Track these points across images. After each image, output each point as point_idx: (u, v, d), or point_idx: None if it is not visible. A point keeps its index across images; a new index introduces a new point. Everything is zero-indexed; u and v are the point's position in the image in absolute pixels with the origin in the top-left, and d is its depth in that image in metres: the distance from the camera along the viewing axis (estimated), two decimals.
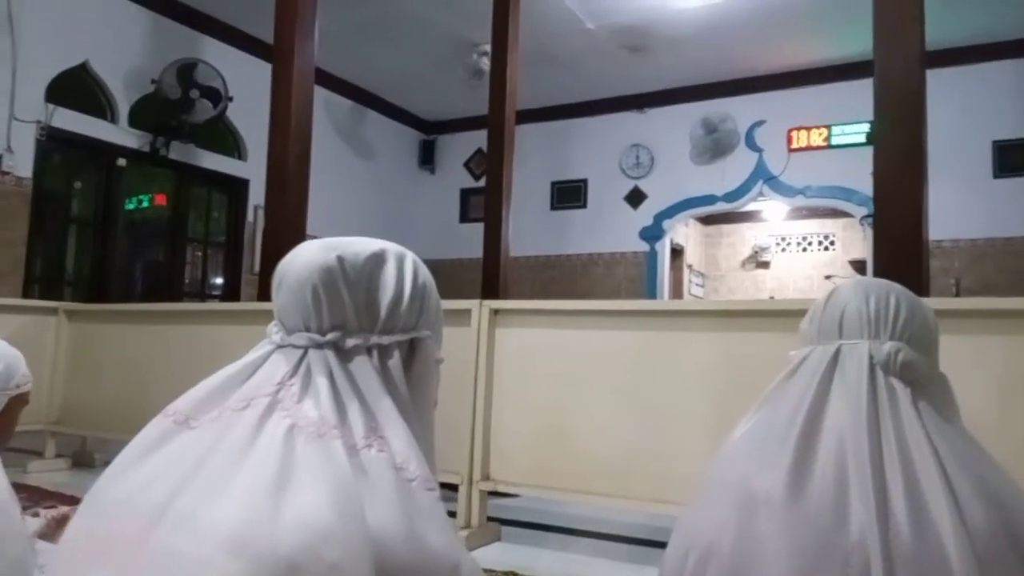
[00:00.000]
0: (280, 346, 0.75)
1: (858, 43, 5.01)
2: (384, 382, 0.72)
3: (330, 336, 0.73)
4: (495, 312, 2.58)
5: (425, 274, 0.83)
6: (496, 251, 4.84)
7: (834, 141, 6.54)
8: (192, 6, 5.79)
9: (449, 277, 8.06)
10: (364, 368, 0.72)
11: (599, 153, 7.65)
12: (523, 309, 2.59)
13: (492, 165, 5.01)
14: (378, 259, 0.77)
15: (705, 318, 2.23)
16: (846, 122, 6.40)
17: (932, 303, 2.07)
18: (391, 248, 0.80)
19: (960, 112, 5.93)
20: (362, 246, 0.78)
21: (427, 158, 8.47)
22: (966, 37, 5.82)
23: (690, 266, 8.96)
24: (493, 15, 5.13)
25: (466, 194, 8.30)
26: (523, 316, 2.56)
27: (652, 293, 7.24)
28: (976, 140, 5.99)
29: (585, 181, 7.73)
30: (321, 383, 0.70)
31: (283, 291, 0.76)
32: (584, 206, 7.72)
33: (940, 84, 5.66)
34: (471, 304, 2.57)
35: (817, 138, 6.60)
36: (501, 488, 2.51)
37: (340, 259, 0.75)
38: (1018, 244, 5.88)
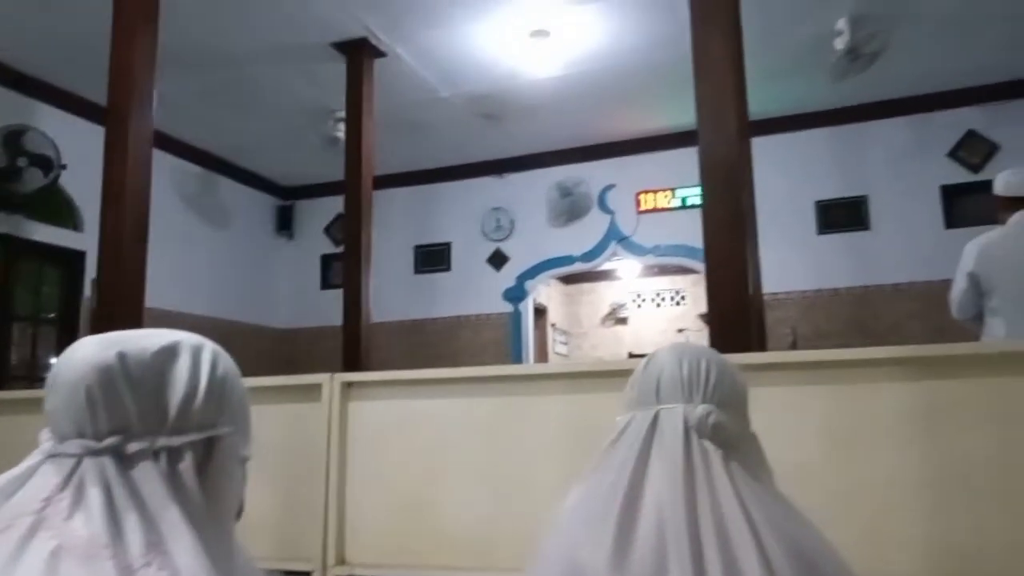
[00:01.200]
0: (51, 455, 0.68)
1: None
2: (172, 489, 0.67)
3: (108, 441, 0.66)
4: (348, 385, 2.51)
5: (227, 365, 0.78)
6: (356, 318, 4.74)
7: (678, 203, 6.97)
8: (21, 71, 5.43)
9: (311, 346, 7.82)
10: (148, 475, 0.66)
11: (461, 217, 7.75)
12: (377, 381, 2.53)
13: (350, 230, 4.95)
14: (169, 352, 0.72)
15: (555, 380, 2.27)
16: (689, 185, 6.85)
17: (758, 358, 2.21)
18: (186, 340, 0.75)
19: (785, 175, 6.49)
20: (150, 340, 0.73)
21: (285, 224, 8.27)
22: (787, 108, 6.43)
23: (554, 325, 9.17)
24: (347, 82, 5.15)
25: (327, 260, 8.14)
26: (377, 388, 2.50)
27: (518, 353, 7.33)
28: (800, 200, 6.58)
29: (449, 244, 7.79)
30: (94, 495, 0.63)
31: (54, 393, 0.69)
32: (448, 269, 7.76)
33: (767, 150, 6.19)
34: (321, 378, 2.48)
35: (663, 200, 7.01)
36: (358, 572, 2.40)
37: (121, 356, 0.69)
38: (843, 294, 6.43)
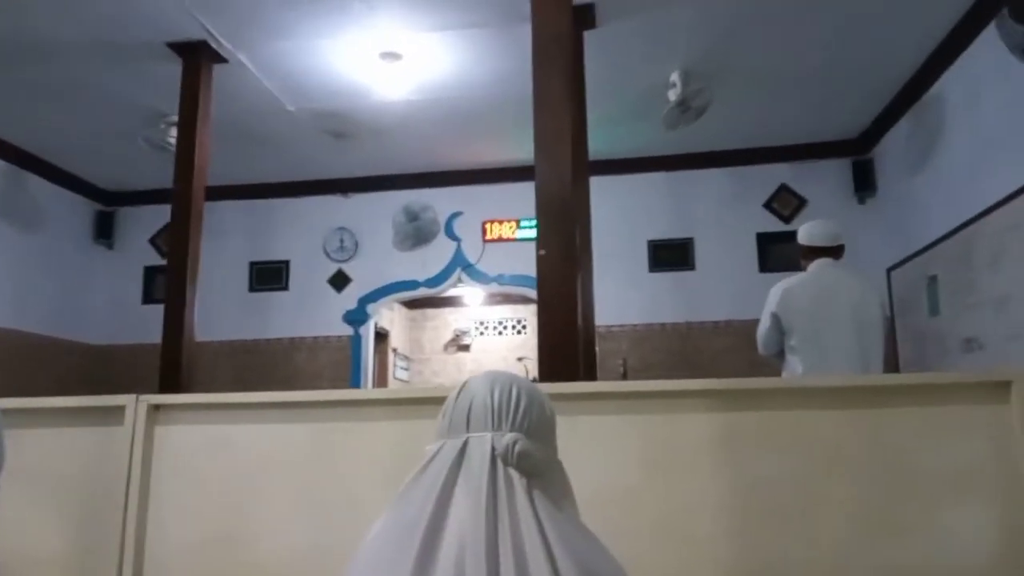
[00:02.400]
0: None
1: None
2: None
3: None
4: (155, 408, 2.32)
5: None
6: (177, 335, 4.43)
7: (521, 234, 7.14)
8: None
9: (129, 365, 7.22)
10: None
11: (303, 234, 7.50)
12: (188, 404, 2.36)
13: (175, 241, 4.64)
14: None
15: (379, 407, 2.22)
16: (532, 217, 7.04)
17: (584, 387, 2.28)
18: None
19: (622, 215, 6.85)
20: None
21: (104, 232, 7.62)
22: (627, 151, 6.79)
23: (395, 349, 9.05)
24: (182, 86, 4.87)
25: (151, 273, 7.58)
26: (188, 411, 2.33)
27: (357, 377, 7.15)
28: (635, 239, 6.94)
29: (287, 262, 7.51)
30: None
31: None
32: (286, 288, 7.46)
33: (608, 190, 6.53)
34: (124, 399, 2.28)
35: (508, 230, 7.16)
36: None
37: None
38: (670, 329, 6.83)
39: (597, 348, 6.68)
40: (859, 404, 2.14)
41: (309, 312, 7.33)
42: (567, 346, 2.46)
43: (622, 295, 6.73)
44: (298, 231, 7.52)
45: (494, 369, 1.19)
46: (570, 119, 2.80)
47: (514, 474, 1.00)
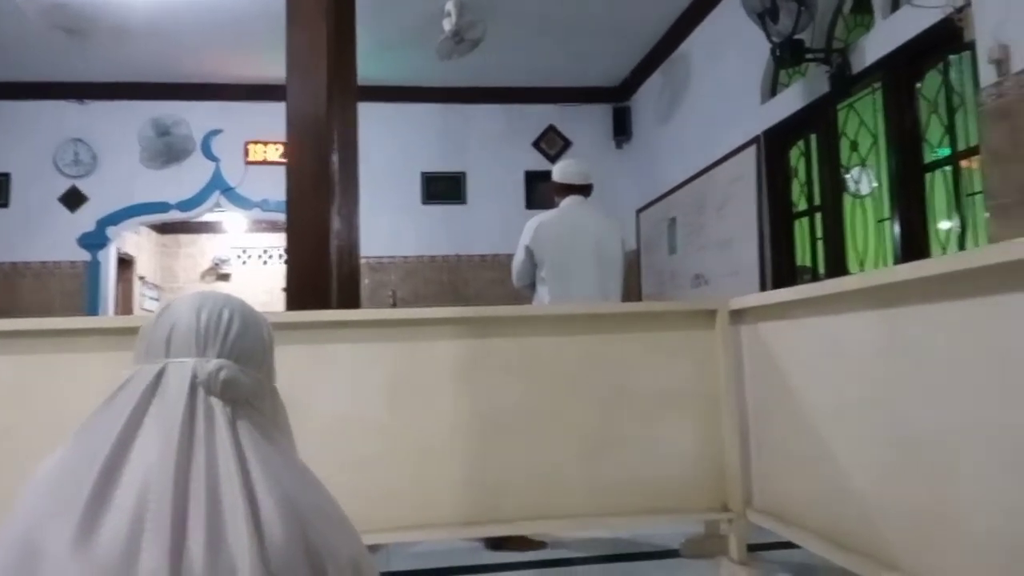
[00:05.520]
0: None
1: None
2: None
3: None
4: None
5: None
6: None
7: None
8: None
9: None
10: None
11: (28, 144, 6.50)
12: None
13: None
14: None
15: (92, 337, 2.00)
16: None
17: (333, 315, 2.23)
18: None
19: (396, 145, 6.74)
20: None
21: None
22: (401, 79, 6.63)
23: (143, 278, 8.27)
24: None
25: None
26: None
27: (94, 308, 6.44)
28: (408, 171, 6.88)
29: (7, 176, 6.49)
30: None
31: None
32: (6, 205, 6.47)
33: (381, 118, 6.36)
34: None
35: (274, 153, 6.74)
36: None
37: None
38: (440, 261, 6.92)
39: (367, 279, 6.62)
40: (590, 331, 2.32)
41: (35, 234, 6.43)
42: (317, 275, 2.38)
43: (395, 226, 6.68)
44: (21, 140, 6.50)
45: (204, 290, 1.10)
46: (327, 34, 2.65)
47: (216, 403, 0.93)
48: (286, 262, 2.43)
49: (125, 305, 7.46)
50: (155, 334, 1.00)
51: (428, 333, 2.20)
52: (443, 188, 6.96)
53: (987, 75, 2.82)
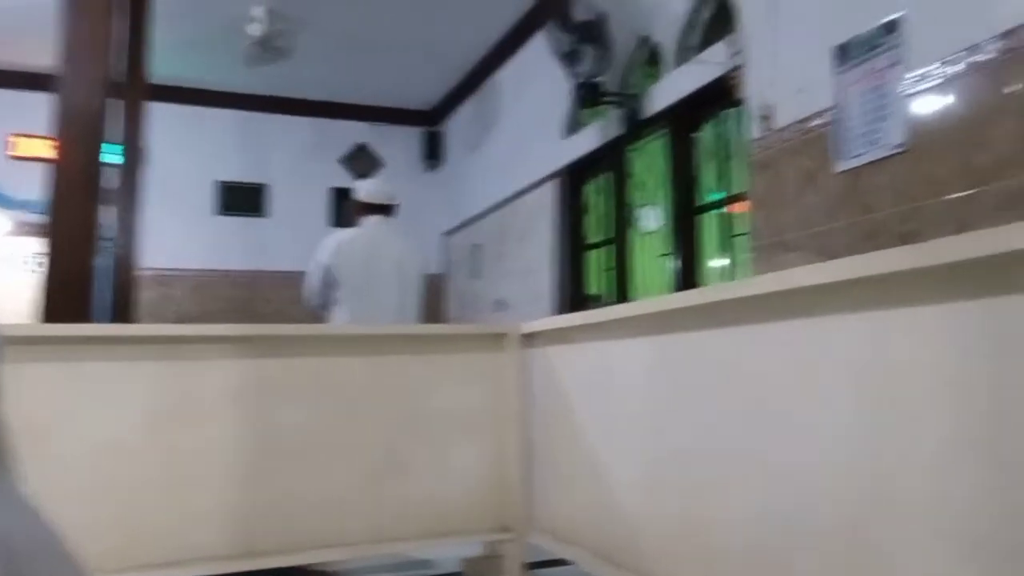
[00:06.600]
0: None
1: None
2: None
3: None
4: None
5: None
6: None
7: None
8: None
9: None
10: None
11: None
12: None
13: None
14: None
15: None
16: None
17: (86, 329, 2.00)
18: None
19: (188, 150, 6.32)
20: None
21: None
22: (202, 81, 6.23)
23: None
24: None
25: None
26: None
27: None
28: (202, 178, 6.46)
29: None
30: None
31: None
32: None
33: (174, 121, 5.93)
34: None
35: (43, 148, 6.03)
36: None
37: None
38: (236, 276, 6.54)
39: (152, 292, 6.08)
40: (382, 351, 2.28)
41: None
42: (77, 284, 2.14)
43: (185, 237, 6.22)
44: None
45: None
46: (110, 22, 2.42)
47: None
48: (44, 268, 2.16)
49: None
50: None
51: (202, 351, 2.04)
52: (242, 199, 6.60)
53: (755, 130, 3.16)
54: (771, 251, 3.07)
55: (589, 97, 4.15)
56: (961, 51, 2.30)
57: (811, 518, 1.24)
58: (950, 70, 2.34)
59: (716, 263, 3.80)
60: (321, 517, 2.12)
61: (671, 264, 3.85)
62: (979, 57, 2.25)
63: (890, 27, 2.52)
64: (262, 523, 2.05)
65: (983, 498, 0.97)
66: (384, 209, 3.29)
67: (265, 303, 6.59)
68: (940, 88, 2.38)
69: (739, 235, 3.56)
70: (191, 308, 6.29)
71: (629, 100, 4.14)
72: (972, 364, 0.98)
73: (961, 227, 2.26)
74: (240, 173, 6.61)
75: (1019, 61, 2.14)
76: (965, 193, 2.29)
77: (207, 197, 6.50)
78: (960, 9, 2.31)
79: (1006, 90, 2.18)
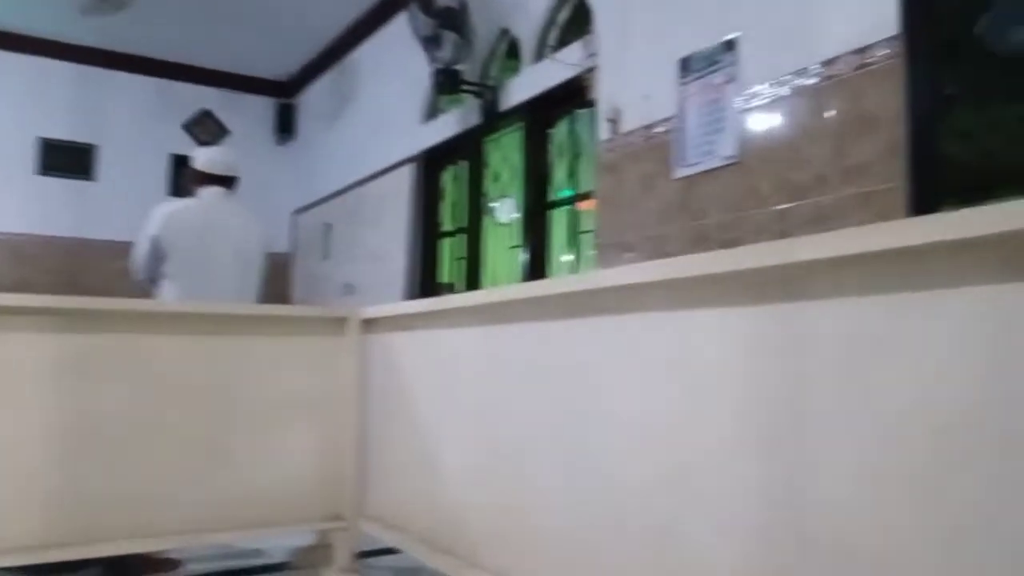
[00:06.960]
0: None
1: None
2: None
3: None
4: None
5: None
6: None
7: None
8: None
9: None
10: None
11: None
12: None
13: None
14: None
15: None
16: None
17: None
18: None
19: (10, 101, 5.70)
20: None
21: None
22: (31, 27, 5.63)
23: None
24: None
25: None
26: None
27: None
28: (22, 134, 5.85)
29: None
30: None
31: None
32: None
33: None
34: None
35: None
36: None
37: None
38: (59, 243, 5.98)
39: None
40: (214, 332, 2.16)
41: None
42: None
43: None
44: None
45: None
46: None
47: None
48: None
49: None
50: None
51: (16, 323, 1.85)
52: (67, 159, 6.03)
53: (604, 131, 3.27)
54: (613, 250, 3.20)
55: (448, 84, 4.13)
56: (788, 74, 2.49)
57: (621, 505, 1.31)
58: (778, 91, 2.53)
59: (565, 257, 3.92)
60: (140, 505, 1.99)
61: (521, 256, 3.93)
62: (804, 81, 2.45)
63: (729, 45, 2.69)
64: (77, 511, 1.90)
65: (767, 489, 1.06)
66: (224, 180, 3.10)
67: (92, 274, 6.06)
68: (769, 107, 2.57)
69: (586, 232, 3.68)
70: (6, 275, 5.69)
71: (487, 91, 4.17)
72: (764, 364, 1.06)
73: (779, 237, 2.46)
74: (68, 131, 6.03)
75: (838, 87, 2.35)
76: (784, 206, 2.49)
77: (28, 155, 5.89)
78: (790, 34, 2.51)
79: (825, 114, 2.39)
